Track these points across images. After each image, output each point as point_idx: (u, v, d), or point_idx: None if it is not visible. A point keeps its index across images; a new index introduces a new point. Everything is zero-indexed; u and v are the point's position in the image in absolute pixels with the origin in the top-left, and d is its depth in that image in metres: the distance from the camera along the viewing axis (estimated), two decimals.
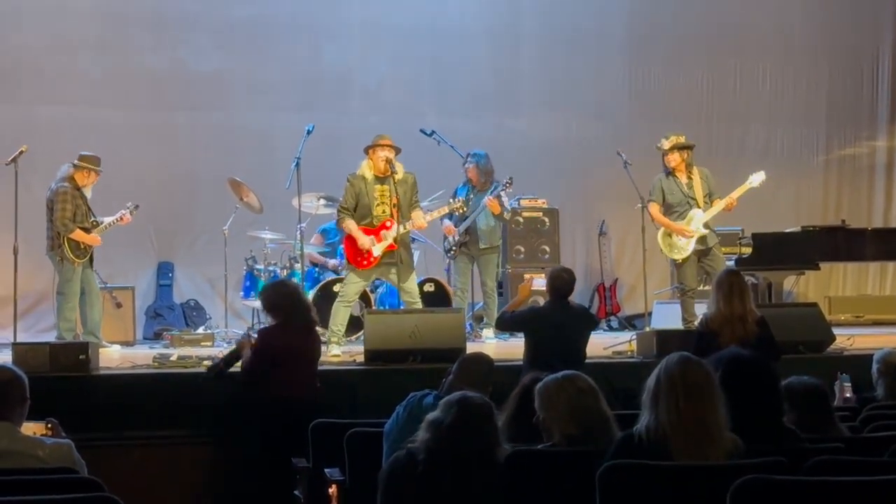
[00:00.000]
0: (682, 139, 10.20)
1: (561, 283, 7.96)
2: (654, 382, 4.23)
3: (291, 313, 7.45)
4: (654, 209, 10.19)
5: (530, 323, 7.94)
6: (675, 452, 4.10)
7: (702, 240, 10.05)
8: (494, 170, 11.24)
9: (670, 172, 10.16)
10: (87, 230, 10.02)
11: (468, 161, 11.21)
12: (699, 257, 10.11)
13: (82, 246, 9.98)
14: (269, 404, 7.11)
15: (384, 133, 9.78)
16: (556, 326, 7.74)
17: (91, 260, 10.19)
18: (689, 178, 10.13)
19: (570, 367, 4.81)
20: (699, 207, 10.04)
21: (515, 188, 11.70)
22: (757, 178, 10.19)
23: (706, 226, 10.04)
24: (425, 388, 5.60)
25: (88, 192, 10.21)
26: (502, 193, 10.97)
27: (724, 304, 7.25)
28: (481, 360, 5.79)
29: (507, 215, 11.21)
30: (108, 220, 10.30)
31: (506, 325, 8.23)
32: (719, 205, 10.05)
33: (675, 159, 10.11)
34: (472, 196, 11.00)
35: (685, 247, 10.04)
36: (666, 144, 10.14)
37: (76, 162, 10.08)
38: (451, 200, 10.55)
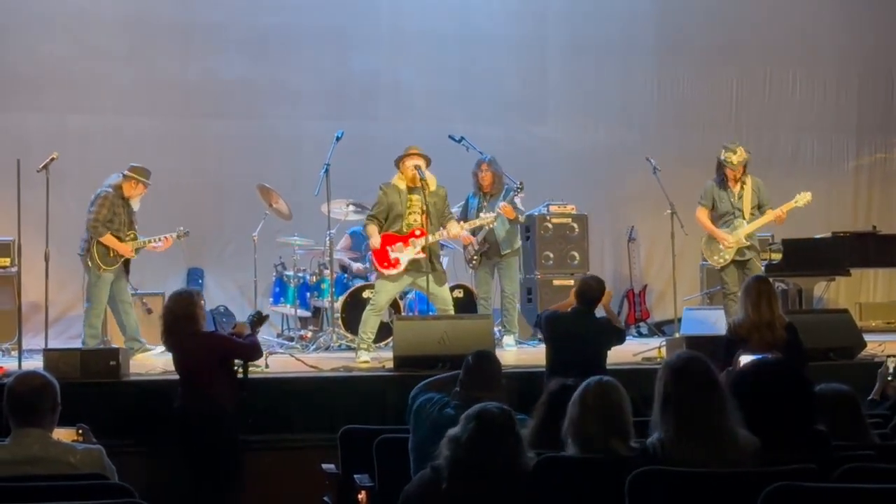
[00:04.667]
0: (745, 155, 9.94)
1: (587, 288, 7.95)
2: (658, 391, 4.22)
3: (178, 327, 7.35)
4: (703, 213, 10.06)
5: (550, 326, 7.97)
6: (689, 459, 4.08)
7: (740, 251, 9.94)
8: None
9: (723, 181, 10.00)
10: (120, 240, 10.08)
11: (484, 169, 10.91)
12: (738, 267, 10.00)
13: (111, 254, 10.02)
14: (179, 416, 7.20)
15: (413, 144, 9.80)
16: (574, 335, 7.75)
17: (126, 270, 10.24)
18: (742, 188, 9.98)
19: (590, 376, 4.68)
20: (745, 219, 9.92)
21: (545, 194, 11.64)
22: (803, 199, 10.01)
23: (749, 237, 9.93)
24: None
25: (136, 205, 10.26)
26: (515, 198, 10.85)
27: (752, 310, 7.24)
28: (487, 359, 5.62)
29: (521, 219, 11.07)
30: (148, 239, 10.33)
31: (538, 323, 8.28)
32: (766, 217, 9.94)
33: (731, 174, 9.92)
34: (485, 203, 10.90)
35: (725, 254, 9.94)
36: (734, 159, 9.89)
37: (126, 172, 10.16)
38: (482, 215, 10.45)
